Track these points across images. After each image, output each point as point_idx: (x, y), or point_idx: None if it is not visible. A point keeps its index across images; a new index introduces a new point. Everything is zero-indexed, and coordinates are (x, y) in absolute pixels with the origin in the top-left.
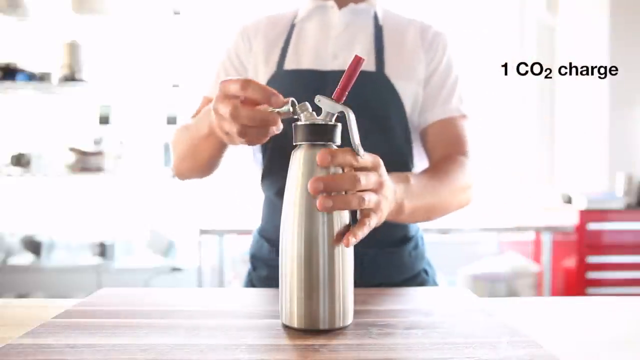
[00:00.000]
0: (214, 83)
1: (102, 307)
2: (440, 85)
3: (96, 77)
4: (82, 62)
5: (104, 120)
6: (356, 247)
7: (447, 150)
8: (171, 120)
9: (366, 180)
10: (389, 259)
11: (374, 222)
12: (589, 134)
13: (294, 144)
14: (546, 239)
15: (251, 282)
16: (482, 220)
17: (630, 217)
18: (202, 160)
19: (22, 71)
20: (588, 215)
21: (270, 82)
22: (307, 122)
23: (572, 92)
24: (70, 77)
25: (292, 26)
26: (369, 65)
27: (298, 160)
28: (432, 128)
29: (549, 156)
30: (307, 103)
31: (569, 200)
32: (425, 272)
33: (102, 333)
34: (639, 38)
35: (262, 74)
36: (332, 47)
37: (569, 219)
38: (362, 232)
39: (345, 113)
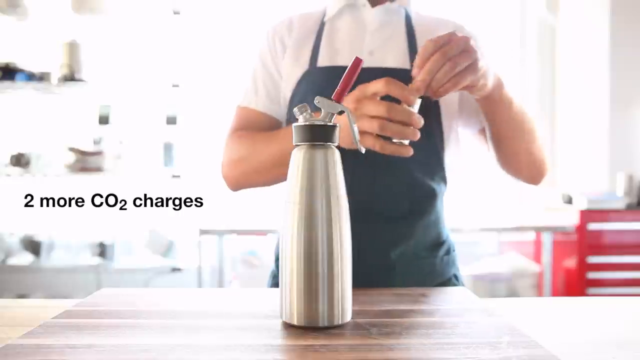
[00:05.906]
0: (252, 92)
1: (102, 307)
2: None
3: (96, 77)
4: (81, 62)
5: (104, 120)
6: (388, 254)
7: None
8: (171, 120)
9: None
10: (421, 265)
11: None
12: (589, 134)
13: (294, 144)
14: (546, 239)
15: (277, 285)
16: (482, 220)
17: (631, 217)
18: (271, 179)
19: (21, 71)
20: (588, 215)
21: (304, 79)
22: (307, 123)
23: (573, 92)
24: (70, 77)
25: (322, 24)
26: (405, 64)
27: (298, 161)
28: None
29: (549, 156)
30: (306, 104)
31: (569, 201)
32: (456, 277)
33: (102, 333)
34: (639, 38)
35: (294, 72)
36: (368, 44)
37: (570, 219)
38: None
39: (346, 113)
